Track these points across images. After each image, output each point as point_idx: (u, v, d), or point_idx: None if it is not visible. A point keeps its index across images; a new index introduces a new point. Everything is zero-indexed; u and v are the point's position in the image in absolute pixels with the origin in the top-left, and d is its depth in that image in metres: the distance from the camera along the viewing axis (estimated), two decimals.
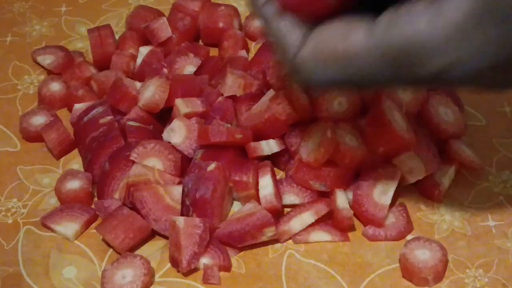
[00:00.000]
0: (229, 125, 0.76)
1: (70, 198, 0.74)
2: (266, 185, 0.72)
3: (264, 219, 0.69)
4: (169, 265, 0.70)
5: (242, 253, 0.70)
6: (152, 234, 0.72)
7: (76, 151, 0.80)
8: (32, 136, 0.82)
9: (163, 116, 0.79)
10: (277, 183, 0.73)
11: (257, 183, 0.72)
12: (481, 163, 0.76)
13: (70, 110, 0.84)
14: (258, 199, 0.72)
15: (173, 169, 0.73)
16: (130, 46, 0.89)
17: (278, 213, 0.72)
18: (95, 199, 0.75)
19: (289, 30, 0.55)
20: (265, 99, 0.77)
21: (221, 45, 0.90)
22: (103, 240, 0.72)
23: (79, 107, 0.82)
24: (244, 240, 0.70)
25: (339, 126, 0.72)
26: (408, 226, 0.71)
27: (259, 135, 0.75)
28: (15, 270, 0.70)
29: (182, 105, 0.77)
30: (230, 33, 0.90)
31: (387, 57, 0.50)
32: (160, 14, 0.93)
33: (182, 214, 0.71)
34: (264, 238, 0.70)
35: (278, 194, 0.72)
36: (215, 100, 0.79)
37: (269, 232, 0.69)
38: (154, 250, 0.71)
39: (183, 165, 0.74)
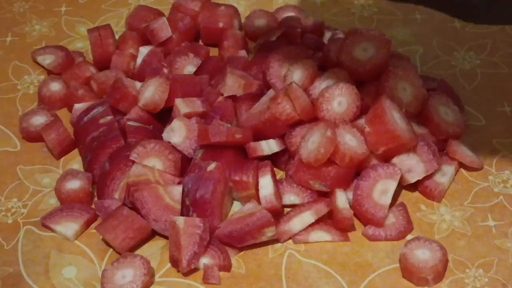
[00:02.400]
0: (229, 125, 0.76)
1: (70, 198, 0.74)
2: (266, 185, 0.72)
3: (264, 219, 0.69)
4: (169, 265, 0.70)
5: (242, 253, 0.70)
6: (152, 234, 0.72)
7: (76, 151, 0.80)
8: (32, 136, 0.82)
9: (163, 116, 0.79)
10: (277, 183, 0.73)
11: (257, 183, 0.72)
12: (481, 163, 0.76)
13: (70, 110, 0.84)
14: (258, 199, 0.72)
15: (173, 169, 0.73)
16: (130, 46, 0.89)
17: (278, 213, 0.72)
18: (95, 199, 0.75)
19: None
20: (265, 99, 0.77)
21: (221, 45, 0.90)
22: (103, 240, 0.72)
23: (79, 107, 0.82)
24: (244, 240, 0.70)
25: (339, 126, 0.72)
26: (408, 226, 0.71)
27: (259, 135, 0.75)
28: (15, 270, 0.70)
29: (182, 105, 0.77)
30: (230, 33, 0.90)
31: None
32: (160, 14, 0.93)
33: (182, 214, 0.71)
34: (264, 238, 0.70)
35: (278, 194, 0.72)
36: (215, 100, 0.79)
37: (269, 232, 0.69)
38: (154, 250, 0.71)
39: (183, 165, 0.74)
